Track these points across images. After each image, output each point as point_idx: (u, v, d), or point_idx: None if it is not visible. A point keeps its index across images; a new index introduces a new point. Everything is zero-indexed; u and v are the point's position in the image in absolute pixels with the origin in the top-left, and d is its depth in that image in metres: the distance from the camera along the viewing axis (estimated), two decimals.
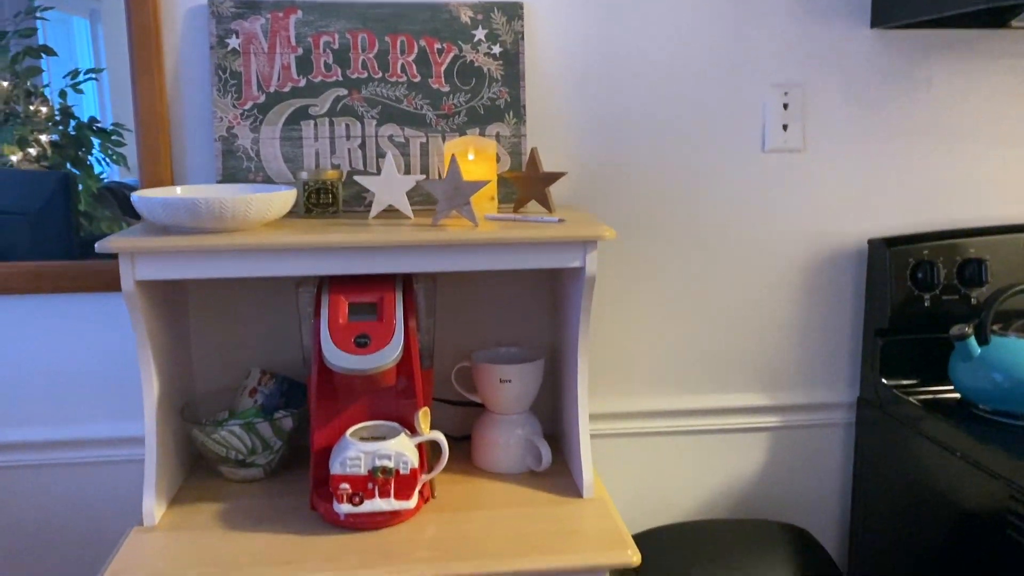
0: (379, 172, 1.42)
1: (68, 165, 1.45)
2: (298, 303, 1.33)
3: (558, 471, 1.42)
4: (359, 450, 1.20)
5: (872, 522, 1.62)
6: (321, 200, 1.36)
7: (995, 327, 1.42)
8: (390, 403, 1.31)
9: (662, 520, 1.69)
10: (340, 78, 1.42)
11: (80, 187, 1.46)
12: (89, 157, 1.46)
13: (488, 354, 1.48)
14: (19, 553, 1.54)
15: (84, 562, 1.56)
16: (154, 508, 1.24)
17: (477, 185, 1.25)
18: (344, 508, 1.21)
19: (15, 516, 1.53)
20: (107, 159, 1.46)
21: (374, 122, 1.43)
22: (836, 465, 1.70)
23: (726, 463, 1.68)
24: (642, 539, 1.53)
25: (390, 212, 1.34)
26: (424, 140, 1.45)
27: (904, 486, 1.50)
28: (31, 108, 1.42)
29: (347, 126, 1.42)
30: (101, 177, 1.46)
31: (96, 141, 1.45)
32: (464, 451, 1.49)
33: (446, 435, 1.32)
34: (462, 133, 1.45)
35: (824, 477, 1.71)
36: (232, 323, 1.51)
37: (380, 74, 1.43)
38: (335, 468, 1.20)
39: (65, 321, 1.49)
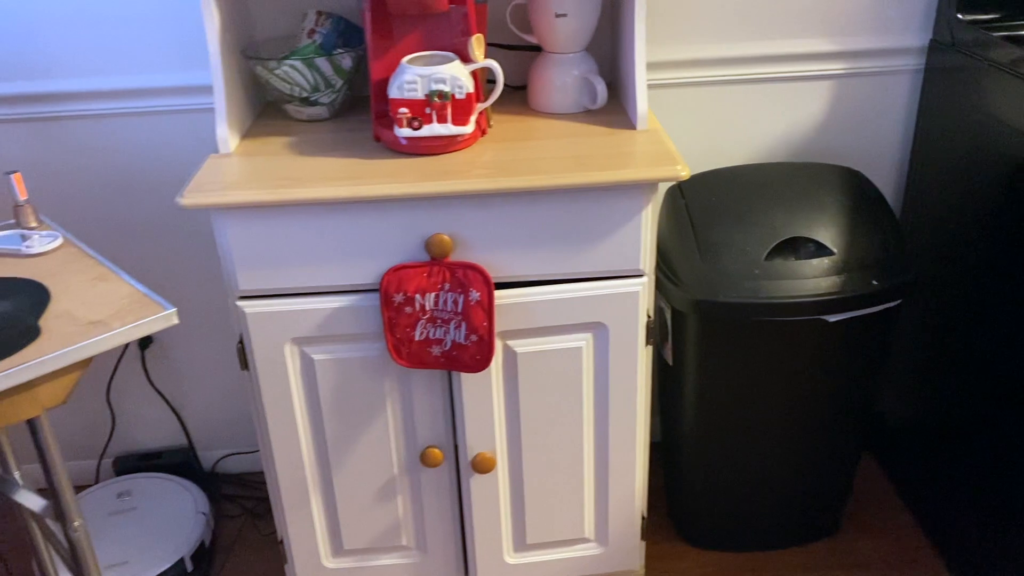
0: None
1: None
2: None
3: (613, 110, 1.44)
4: (415, 74, 1.23)
5: (930, 169, 1.62)
6: None
7: None
8: (444, 35, 1.32)
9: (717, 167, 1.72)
10: None
11: None
12: None
13: None
14: (108, 199, 1.67)
15: (166, 204, 1.69)
16: (228, 136, 1.31)
17: None
18: (404, 132, 1.26)
19: (103, 163, 1.64)
20: None
21: None
22: (900, 114, 1.67)
23: (786, 112, 1.67)
24: (694, 180, 1.57)
25: None
26: None
27: (969, 130, 1.48)
28: None
29: None
30: None
31: None
32: (520, 98, 1.51)
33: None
34: None
35: (886, 126, 1.68)
36: None
37: None
38: (393, 92, 1.24)
39: None
